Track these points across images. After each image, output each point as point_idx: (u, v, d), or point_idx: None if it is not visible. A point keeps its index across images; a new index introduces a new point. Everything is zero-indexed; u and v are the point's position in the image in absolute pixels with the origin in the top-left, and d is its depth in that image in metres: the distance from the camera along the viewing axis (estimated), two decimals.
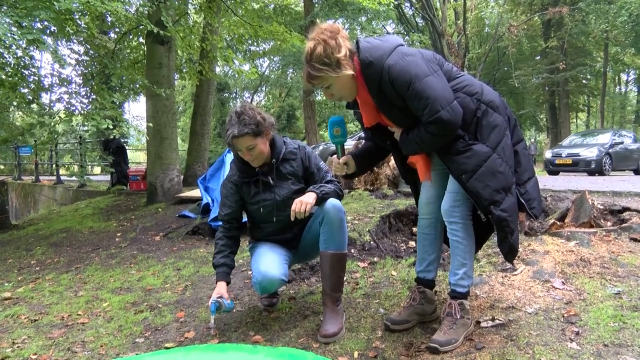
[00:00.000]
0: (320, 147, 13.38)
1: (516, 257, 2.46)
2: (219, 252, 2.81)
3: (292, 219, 2.56)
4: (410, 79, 2.15)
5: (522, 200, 2.37)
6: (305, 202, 2.56)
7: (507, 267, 3.14)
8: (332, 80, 2.29)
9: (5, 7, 5.47)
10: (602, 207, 4.06)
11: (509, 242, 2.29)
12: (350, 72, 2.26)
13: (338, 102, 21.65)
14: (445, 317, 2.40)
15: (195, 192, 7.62)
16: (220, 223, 2.91)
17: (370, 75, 2.26)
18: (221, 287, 2.70)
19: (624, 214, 3.93)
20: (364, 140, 2.87)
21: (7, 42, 4.91)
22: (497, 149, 2.24)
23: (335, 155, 2.64)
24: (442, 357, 2.23)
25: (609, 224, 3.81)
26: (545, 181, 8.17)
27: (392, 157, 3.19)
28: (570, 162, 14.69)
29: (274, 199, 2.78)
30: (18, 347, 2.86)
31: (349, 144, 7.65)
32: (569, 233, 3.50)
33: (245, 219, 3.00)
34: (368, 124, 2.51)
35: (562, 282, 2.85)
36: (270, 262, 2.67)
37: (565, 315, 2.45)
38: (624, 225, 3.59)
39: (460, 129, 2.23)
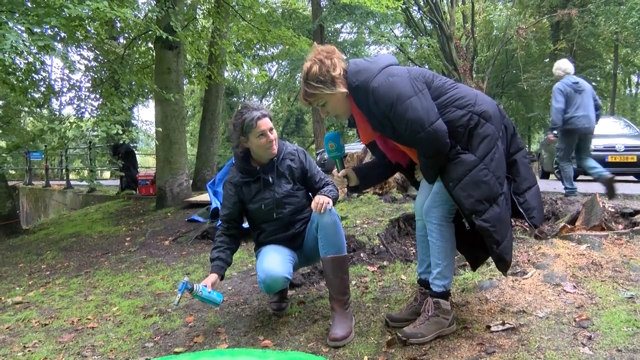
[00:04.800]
0: None
1: (508, 270, 2.46)
2: (215, 247, 2.90)
3: (317, 212, 2.63)
4: (392, 101, 2.21)
5: (521, 210, 2.38)
6: (325, 199, 2.65)
7: (518, 271, 3.11)
8: (326, 97, 2.38)
9: (17, 15, 5.53)
10: (613, 210, 4.03)
11: (495, 252, 2.29)
12: (344, 89, 2.35)
13: None
14: (421, 312, 2.49)
15: (205, 197, 7.65)
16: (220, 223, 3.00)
17: (358, 98, 2.34)
18: (210, 277, 2.77)
19: (635, 216, 3.90)
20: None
21: (18, 48, 4.95)
22: (485, 160, 2.26)
23: (335, 169, 2.69)
24: None
25: (620, 227, 3.78)
26: (555, 184, 8.10)
27: None
28: (635, 160, 9.64)
29: (274, 197, 2.84)
30: (29, 351, 2.88)
31: (357, 148, 7.66)
32: (579, 236, 3.47)
33: (246, 224, 3.04)
34: (365, 140, 2.61)
35: (574, 286, 2.82)
36: (273, 261, 2.71)
37: (577, 319, 2.42)
38: (635, 228, 3.56)
39: (453, 140, 2.27)
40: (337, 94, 2.36)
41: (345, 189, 2.76)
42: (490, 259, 2.94)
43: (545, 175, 13.04)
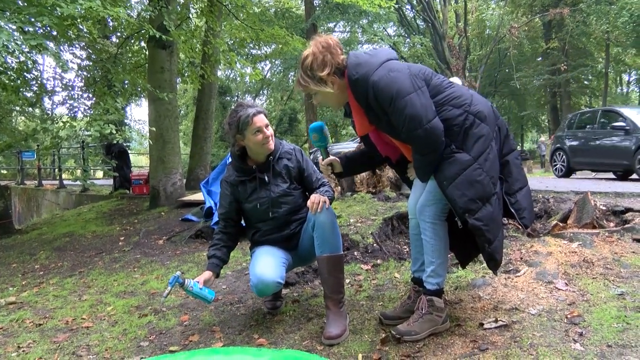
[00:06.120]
0: None
1: (498, 269, 2.49)
2: (212, 245, 2.92)
3: (313, 212, 2.64)
4: (392, 95, 2.23)
5: (512, 210, 2.42)
6: (321, 198, 2.67)
7: (510, 269, 3.14)
8: (314, 91, 2.44)
9: (8, 13, 5.50)
10: (604, 208, 4.07)
11: (487, 251, 2.31)
12: (329, 89, 2.40)
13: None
14: (415, 310, 2.51)
15: (198, 196, 7.64)
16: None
17: (357, 91, 2.35)
18: (204, 274, 2.79)
19: (626, 214, 3.93)
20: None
21: (10, 47, 4.93)
22: (479, 159, 2.28)
23: (320, 157, 2.75)
24: (446, 358, 2.24)
25: (611, 224, 3.81)
26: (547, 182, 8.16)
27: None
28: None
29: (270, 196, 2.84)
30: (23, 351, 2.87)
31: (349, 147, 7.73)
32: (571, 234, 3.50)
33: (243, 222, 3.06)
34: (360, 133, 2.62)
35: (565, 283, 2.85)
36: (266, 265, 2.70)
37: (569, 316, 2.45)
38: (626, 226, 3.59)
39: (448, 139, 2.28)
40: (322, 91, 2.41)
41: (332, 175, 2.81)
42: (479, 257, 2.99)
43: (568, 173, 11.54)
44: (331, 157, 2.72)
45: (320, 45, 2.38)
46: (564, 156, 11.65)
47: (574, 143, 11.38)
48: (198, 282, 2.69)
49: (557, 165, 11.96)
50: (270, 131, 2.80)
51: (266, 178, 2.85)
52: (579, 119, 12.03)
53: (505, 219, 2.57)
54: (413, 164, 2.46)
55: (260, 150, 2.82)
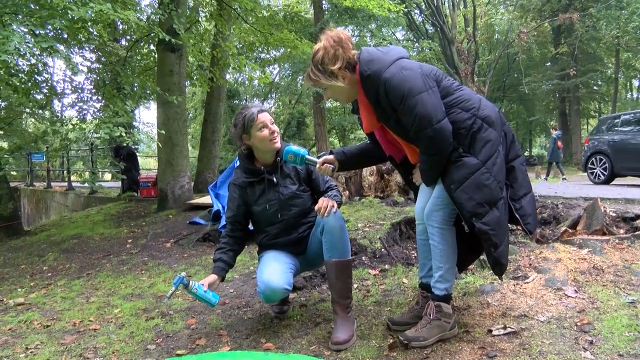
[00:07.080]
0: None
1: (503, 274, 2.47)
2: (219, 249, 2.91)
3: (321, 216, 2.65)
4: (403, 93, 2.23)
5: (517, 216, 2.41)
6: (329, 202, 2.67)
7: (519, 275, 3.12)
8: (325, 85, 2.43)
9: (20, 16, 5.55)
10: (614, 214, 4.03)
11: (492, 255, 2.30)
12: (340, 84, 2.39)
13: (348, 109, 21.84)
14: (423, 316, 2.50)
15: (206, 199, 7.66)
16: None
17: (368, 87, 2.35)
18: (209, 277, 2.78)
19: (637, 221, 3.90)
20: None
21: (21, 50, 4.97)
22: (487, 164, 2.27)
23: (316, 167, 2.70)
24: None
25: (621, 231, 3.78)
26: (556, 188, 8.11)
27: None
28: None
29: (279, 198, 2.84)
30: (31, 352, 2.88)
31: None
32: (581, 241, 3.48)
33: (250, 227, 3.05)
34: (367, 130, 2.61)
35: (575, 291, 2.82)
36: (273, 271, 2.69)
37: (579, 324, 2.43)
38: (637, 232, 3.56)
39: (455, 142, 2.28)
40: (334, 85, 2.40)
41: (334, 174, 2.79)
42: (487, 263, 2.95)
43: (610, 179, 10.57)
44: (322, 158, 2.68)
45: (331, 39, 2.38)
46: (605, 161, 10.73)
47: (621, 146, 10.44)
48: (203, 284, 2.69)
49: (596, 171, 11.01)
50: (275, 127, 2.81)
51: (275, 179, 2.85)
52: (623, 120, 11.07)
53: (510, 224, 2.56)
54: (419, 167, 2.46)
55: (267, 147, 2.81)
